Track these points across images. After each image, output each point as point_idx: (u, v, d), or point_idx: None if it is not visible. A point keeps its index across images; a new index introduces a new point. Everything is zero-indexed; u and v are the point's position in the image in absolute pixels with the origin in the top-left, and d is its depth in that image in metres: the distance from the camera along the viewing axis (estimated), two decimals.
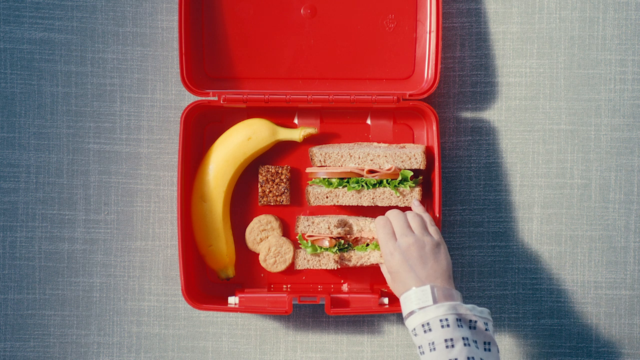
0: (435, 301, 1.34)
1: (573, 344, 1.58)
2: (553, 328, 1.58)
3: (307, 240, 1.49)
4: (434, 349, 1.31)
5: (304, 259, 1.49)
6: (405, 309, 1.36)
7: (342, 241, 1.49)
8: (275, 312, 1.47)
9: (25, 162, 1.56)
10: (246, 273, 1.55)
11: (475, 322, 1.33)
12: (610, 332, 1.58)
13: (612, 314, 1.58)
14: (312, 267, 1.49)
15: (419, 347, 1.33)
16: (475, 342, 1.32)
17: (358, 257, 1.50)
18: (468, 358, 1.30)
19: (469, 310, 1.33)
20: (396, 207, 1.53)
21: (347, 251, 1.50)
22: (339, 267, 1.50)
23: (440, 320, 1.32)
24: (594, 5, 1.58)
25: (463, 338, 1.31)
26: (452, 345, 1.30)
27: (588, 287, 1.58)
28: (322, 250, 1.48)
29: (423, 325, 1.33)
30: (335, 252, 1.49)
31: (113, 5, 1.56)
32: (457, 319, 1.32)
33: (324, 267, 1.49)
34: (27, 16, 1.56)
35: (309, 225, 1.48)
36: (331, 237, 1.48)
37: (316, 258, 1.49)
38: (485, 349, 1.32)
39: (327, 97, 1.50)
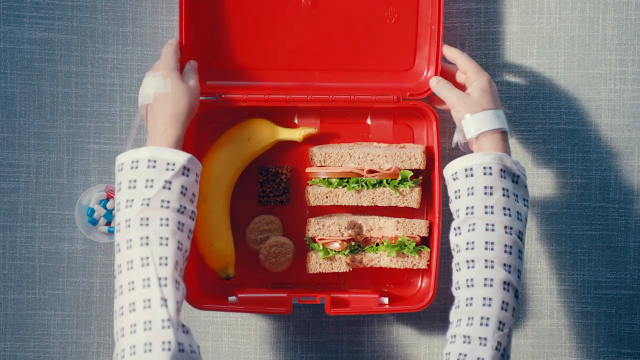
0: (509, 132, 1.40)
1: (573, 344, 1.58)
2: (553, 328, 1.58)
3: (318, 243, 1.49)
4: (472, 193, 1.33)
5: (316, 262, 1.49)
6: (473, 128, 1.38)
7: (353, 243, 1.49)
8: (275, 312, 1.47)
9: (25, 162, 1.56)
10: (246, 273, 1.55)
11: (519, 177, 1.35)
12: (610, 332, 1.58)
13: (612, 314, 1.58)
14: (324, 271, 1.49)
15: (456, 191, 1.35)
16: (516, 195, 1.34)
17: (369, 259, 1.50)
18: (504, 208, 1.32)
19: (514, 164, 1.35)
20: (396, 207, 1.53)
21: (357, 253, 1.50)
22: (351, 269, 1.50)
23: (484, 168, 1.34)
24: (594, 5, 1.58)
25: (503, 188, 1.33)
26: (491, 193, 1.32)
27: (588, 287, 1.58)
28: (334, 253, 1.48)
29: (466, 170, 1.35)
30: (347, 255, 1.49)
31: (113, 5, 1.56)
32: (501, 170, 1.34)
33: (336, 270, 1.49)
34: (27, 16, 1.56)
35: (319, 229, 1.48)
36: (342, 240, 1.48)
37: (328, 262, 1.49)
38: (524, 205, 1.35)
39: (327, 97, 1.49)
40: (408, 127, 1.55)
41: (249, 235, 1.54)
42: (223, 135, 1.52)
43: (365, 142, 1.55)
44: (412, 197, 1.49)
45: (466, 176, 1.34)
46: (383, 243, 1.49)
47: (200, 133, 1.54)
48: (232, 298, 1.49)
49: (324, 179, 1.49)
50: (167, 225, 1.28)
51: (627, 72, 1.58)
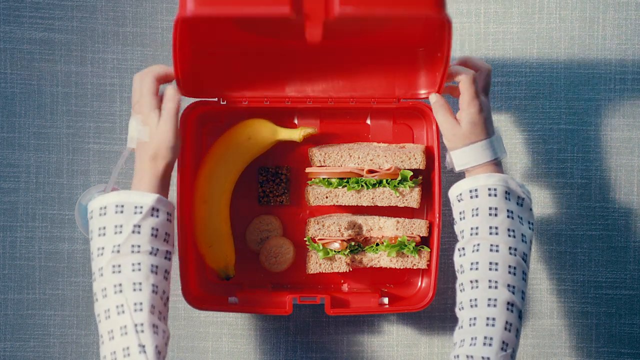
0: (501, 154, 1.38)
1: (573, 344, 1.58)
2: (553, 328, 1.58)
3: (318, 243, 1.49)
4: (477, 214, 1.33)
5: (316, 262, 1.49)
6: (462, 162, 1.38)
7: (353, 243, 1.49)
8: (275, 312, 1.47)
9: (25, 162, 1.56)
10: (246, 273, 1.55)
11: (523, 199, 1.35)
12: (610, 332, 1.58)
13: (612, 314, 1.58)
14: (324, 271, 1.49)
15: (460, 212, 1.35)
16: (520, 217, 1.34)
17: (369, 259, 1.50)
18: (508, 229, 1.32)
19: (519, 187, 1.35)
20: (396, 207, 1.53)
21: (357, 253, 1.50)
22: (351, 269, 1.50)
23: (489, 189, 1.34)
24: (594, 5, 1.58)
25: (508, 210, 1.33)
26: (496, 214, 1.32)
27: (588, 287, 1.58)
28: (334, 253, 1.48)
29: (470, 191, 1.35)
30: (347, 255, 1.48)
31: (113, 5, 1.56)
32: (505, 192, 1.34)
33: (336, 270, 1.49)
34: (27, 16, 1.56)
35: (319, 229, 1.48)
36: (342, 240, 1.48)
37: (328, 262, 1.49)
38: (529, 228, 1.34)
39: (327, 98, 1.49)
40: (408, 127, 1.55)
41: (249, 235, 1.54)
42: (223, 135, 1.52)
43: (365, 142, 1.55)
44: (412, 197, 1.49)
45: (471, 197, 1.34)
46: (383, 243, 1.49)
47: (200, 133, 1.54)
48: (232, 298, 1.49)
49: (323, 179, 1.49)
50: (140, 269, 1.28)
51: (627, 72, 1.58)
